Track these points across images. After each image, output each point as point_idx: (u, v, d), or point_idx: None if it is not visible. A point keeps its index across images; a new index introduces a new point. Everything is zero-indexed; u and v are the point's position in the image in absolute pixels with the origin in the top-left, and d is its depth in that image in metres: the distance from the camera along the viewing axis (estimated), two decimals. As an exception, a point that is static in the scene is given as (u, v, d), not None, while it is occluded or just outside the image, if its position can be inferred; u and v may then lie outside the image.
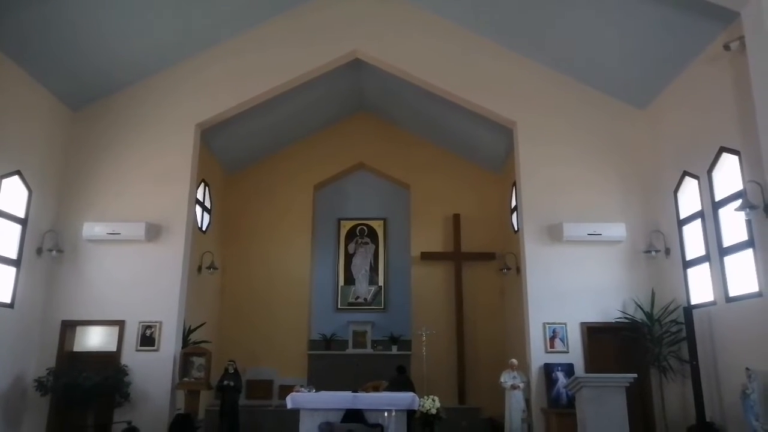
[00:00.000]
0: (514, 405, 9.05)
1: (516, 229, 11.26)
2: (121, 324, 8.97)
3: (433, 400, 8.98)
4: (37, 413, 8.57)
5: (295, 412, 8.00)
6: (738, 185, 7.27)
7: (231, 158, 12.71)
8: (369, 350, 12.33)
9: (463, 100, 10.02)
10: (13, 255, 8.43)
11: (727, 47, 7.11)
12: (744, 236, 7.19)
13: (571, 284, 9.11)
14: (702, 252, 8.16)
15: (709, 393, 7.68)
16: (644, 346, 8.65)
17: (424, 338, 11.27)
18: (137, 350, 8.87)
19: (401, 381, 9.58)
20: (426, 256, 12.70)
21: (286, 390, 9.37)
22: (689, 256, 8.56)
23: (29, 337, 8.69)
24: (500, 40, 9.83)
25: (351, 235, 13.49)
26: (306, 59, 9.85)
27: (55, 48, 8.38)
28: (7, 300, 8.29)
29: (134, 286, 9.05)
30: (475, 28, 9.83)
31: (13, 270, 8.42)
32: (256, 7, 9.54)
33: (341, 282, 13.25)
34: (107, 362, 8.74)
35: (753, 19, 6.48)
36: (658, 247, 9.10)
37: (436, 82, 9.93)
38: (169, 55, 9.67)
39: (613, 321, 8.95)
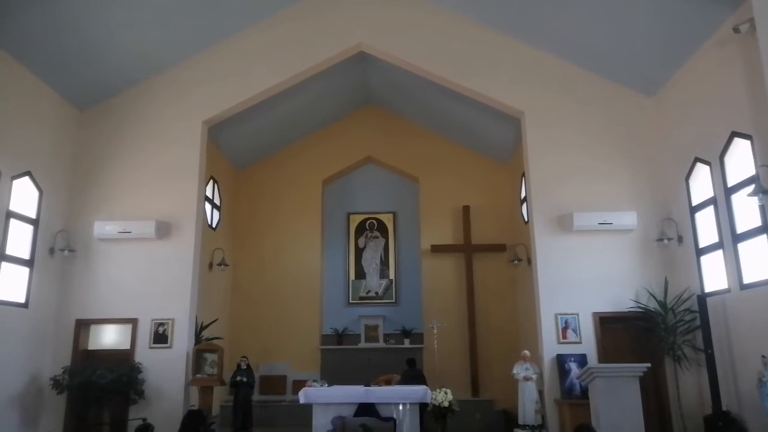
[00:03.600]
0: (527, 396, 9.01)
1: (526, 219, 11.19)
2: (134, 322, 9.05)
3: (446, 393, 8.96)
4: (54, 411, 8.68)
5: (309, 407, 8.03)
6: (751, 170, 7.16)
7: (239, 155, 12.75)
8: (381, 344, 12.35)
9: (469, 90, 9.95)
10: (26, 255, 8.52)
11: (736, 30, 6.98)
12: (758, 222, 7.09)
13: (582, 274, 9.04)
14: (715, 239, 8.06)
15: (724, 381, 7.60)
16: (658, 336, 8.57)
17: (435, 331, 11.26)
18: (150, 347, 8.94)
19: (413, 374, 9.57)
20: (436, 249, 12.68)
21: (299, 385, 9.43)
22: (702, 244, 8.46)
23: (44, 337, 8.79)
24: (506, 30, 9.74)
25: (361, 229, 13.49)
26: (311, 53, 9.82)
27: (61, 49, 8.42)
28: (22, 300, 8.39)
29: (146, 284, 9.12)
30: (480, 18, 9.73)
31: (26, 270, 8.51)
32: (260, 3, 9.52)
33: (352, 276, 13.26)
34: (121, 360, 8.83)
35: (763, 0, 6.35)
36: (671, 234, 9.00)
37: (442, 74, 9.86)
38: (175, 53, 9.69)
39: (626, 310, 8.88)
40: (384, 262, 13.33)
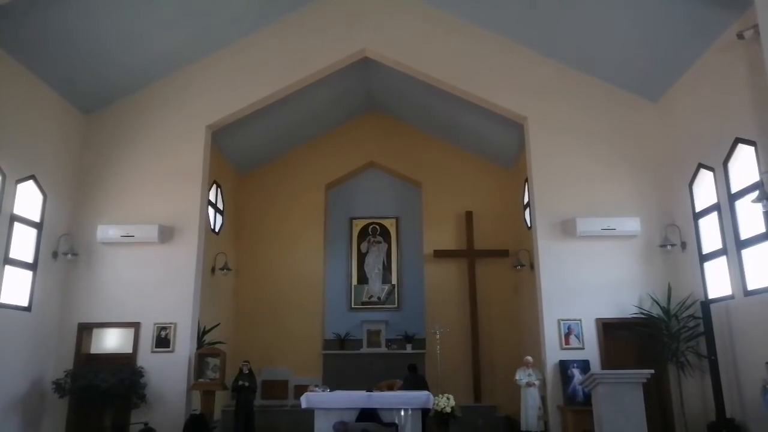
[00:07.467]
0: (530, 402, 9.00)
1: (529, 225, 11.17)
2: (136, 326, 9.05)
3: (448, 399, 8.93)
4: (56, 415, 8.68)
5: (310, 412, 8.03)
6: (754, 176, 7.15)
7: (242, 159, 12.77)
8: (383, 349, 12.33)
9: (473, 96, 9.96)
10: (29, 259, 8.53)
11: (740, 36, 7.00)
12: (761, 228, 7.06)
13: (585, 280, 9.03)
14: (719, 245, 8.04)
15: (728, 388, 7.56)
16: (661, 342, 8.54)
17: (437, 336, 11.23)
18: (153, 352, 8.95)
19: (414, 379, 9.55)
20: (439, 254, 12.65)
21: (301, 390, 9.43)
22: (706, 250, 8.44)
23: (47, 340, 8.80)
24: (510, 35, 9.76)
25: (363, 234, 13.48)
26: (315, 58, 9.85)
27: (66, 53, 8.46)
28: (25, 303, 8.40)
29: (149, 288, 9.13)
30: (484, 24, 9.76)
31: (29, 274, 8.52)
32: (263, 8, 9.56)
33: (354, 281, 13.24)
34: (123, 364, 8.82)
35: None
36: (674, 240, 8.98)
37: (446, 79, 9.88)
38: (178, 58, 9.73)
39: (629, 316, 8.85)
40: (386, 267, 13.32)
